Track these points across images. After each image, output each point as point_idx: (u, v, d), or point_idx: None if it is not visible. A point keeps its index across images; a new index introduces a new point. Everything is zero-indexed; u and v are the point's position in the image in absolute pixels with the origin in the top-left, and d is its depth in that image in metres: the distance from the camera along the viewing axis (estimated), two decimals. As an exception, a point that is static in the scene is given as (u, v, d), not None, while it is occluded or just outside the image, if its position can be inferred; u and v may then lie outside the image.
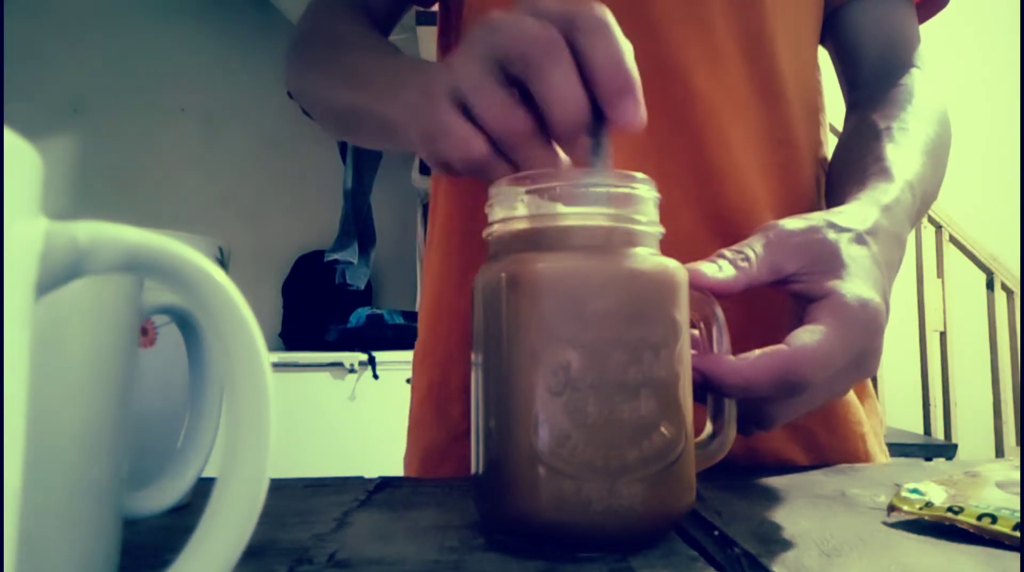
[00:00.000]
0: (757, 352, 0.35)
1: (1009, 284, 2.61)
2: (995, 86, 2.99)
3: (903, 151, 0.49)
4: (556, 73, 0.32)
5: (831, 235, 0.40)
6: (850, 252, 0.39)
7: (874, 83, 0.59)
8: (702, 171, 0.52)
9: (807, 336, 0.35)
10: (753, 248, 0.39)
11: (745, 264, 0.38)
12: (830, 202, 0.52)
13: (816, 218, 0.41)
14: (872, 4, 0.60)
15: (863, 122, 0.54)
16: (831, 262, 0.39)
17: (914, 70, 0.58)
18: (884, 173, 0.47)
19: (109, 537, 0.23)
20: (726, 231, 0.51)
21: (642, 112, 0.32)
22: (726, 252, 0.39)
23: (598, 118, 0.33)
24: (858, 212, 0.43)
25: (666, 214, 0.50)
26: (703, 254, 0.50)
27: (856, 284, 0.38)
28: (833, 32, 0.62)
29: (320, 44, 0.58)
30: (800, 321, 0.37)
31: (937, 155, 0.52)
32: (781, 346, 0.35)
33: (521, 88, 0.34)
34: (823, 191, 0.58)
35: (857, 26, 0.61)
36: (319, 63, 0.56)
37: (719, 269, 0.38)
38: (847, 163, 0.53)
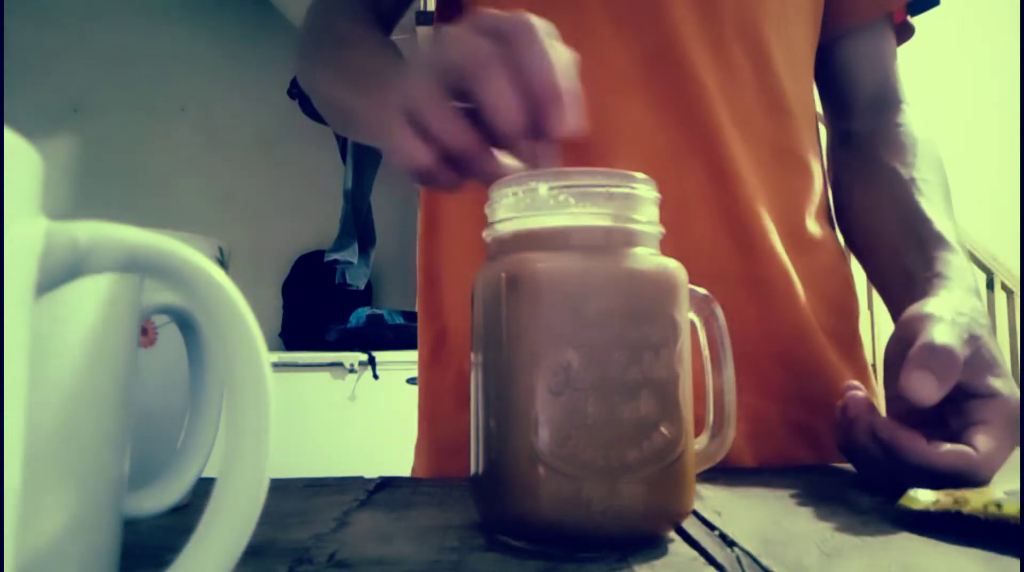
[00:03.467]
0: (947, 446, 0.38)
1: (1009, 284, 2.61)
2: (995, 87, 2.99)
3: (938, 209, 0.54)
4: (493, 84, 0.34)
5: (981, 334, 0.42)
6: (992, 348, 0.42)
7: (869, 115, 0.63)
8: (715, 171, 0.54)
9: (989, 442, 0.38)
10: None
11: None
12: (864, 243, 0.59)
13: (959, 319, 0.42)
14: (866, 40, 0.64)
15: (883, 167, 0.59)
16: (987, 359, 0.41)
17: (904, 106, 0.63)
18: (942, 243, 0.51)
19: (109, 537, 0.23)
20: (737, 229, 0.54)
21: (573, 119, 0.34)
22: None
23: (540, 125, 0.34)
24: (972, 303, 0.45)
25: (682, 211, 0.52)
26: (716, 250, 0.53)
27: (1010, 382, 0.41)
28: (827, 62, 0.65)
29: (323, 41, 0.60)
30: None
31: (951, 207, 0.56)
32: (968, 450, 0.38)
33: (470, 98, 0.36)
34: (827, 201, 0.62)
35: (853, 60, 0.64)
36: (321, 61, 0.58)
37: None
38: (884, 213, 0.57)
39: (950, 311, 0.42)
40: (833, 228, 0.62)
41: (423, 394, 0.63)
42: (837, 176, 0.64)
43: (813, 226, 0.58)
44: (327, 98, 0.57)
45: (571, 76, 0.34)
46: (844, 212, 0.63)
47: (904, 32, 0.66)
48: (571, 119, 0.34)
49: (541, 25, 0.34)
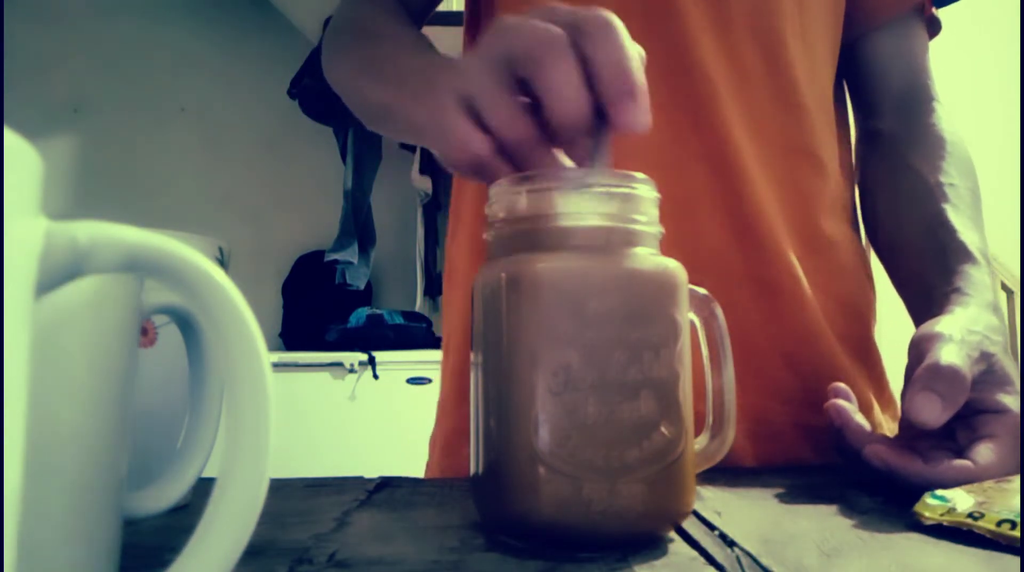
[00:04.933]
0: (945, 463, 0.37)
1: (1009, 284, 2.61)
2: (995, 87, 2.99)
3: (964, 217, 0.53)
4: (557, 71, 0.32)
5: (995, 351, 0.42)
6: (1006, 364, 0.42)
7: (898, 114, 0.61)
8: (723, 170, 0.54)
9: (991, 455, 0.38)
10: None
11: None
12: (888, 248, 0.58)
13: (969, 337, 0.42)
14: (895, 35, 0.62)
15: (908, 170, 0.57)
16: (1000, 376, 0.41)
17: (936, 105, 0.61)
18: (964, 255, 0.50)
19: (109, 537, 0.23)
20: (744, 228, 0.53)
21: (645, 116, 0.32)
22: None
23: (600, 121, 0.33)
24: (988, 320, 0.45)
25: (688, 210, 0.52)
26: (723, 250, 0.52)
27: (1018, 399, 0.41)
28: (855, 59, 0.63)
29: (356, 36, 0.59)
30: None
31: (980, 212, 0.56)
32: (967, 464, 0.37)
33: (530, 91, 0.34)
34: (850, 201, 0.61)
35: (881, 56, 0.62)
36: (354, 56, 0.58)
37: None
38: (908, 218, 0.56)
39: (960, 329, 0.42)
40: (854, 229, 0.62)
41: (441, 386, 0.64)
42: (864, 177, 0.63)
43: (829, 225, 0.57)
44: (362, 95, 0.56)
45: (641, 74, 0.33)
46: (869, 215, 0.62)
47: (933, 26, 0.64)
48: (641, 115, 0.32)
49: (618, 21, 0.33)
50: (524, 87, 0.34)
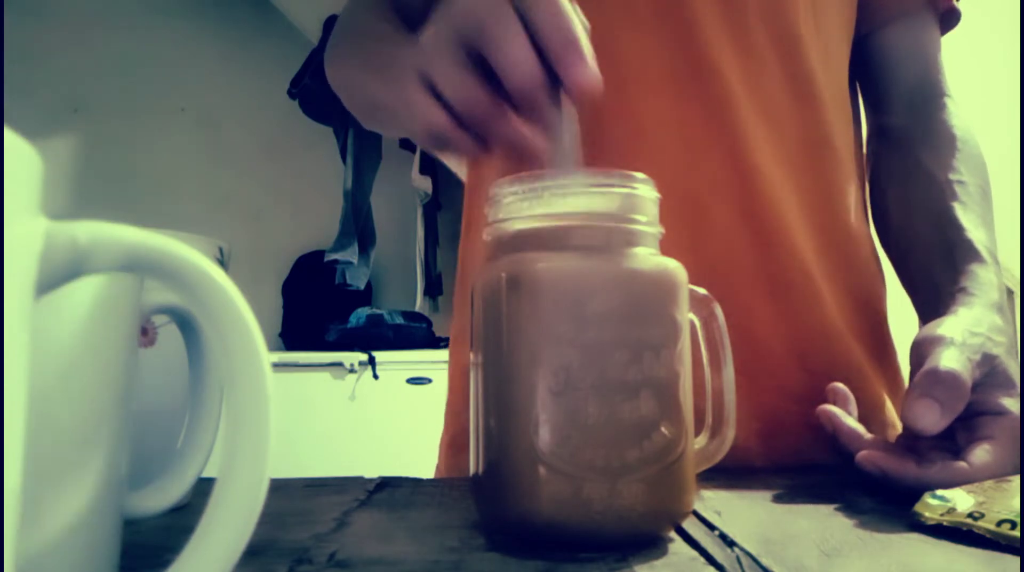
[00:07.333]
0: (939, 464, 0.37)
1: (1009, 284, 2.60)
2: (995, 87, 2.98)
3: (973, 215, 0.53)
4: (505, 39, 0.33)
5: (998, 353, 0.42)
6: (1008, 366, 0.41)
7: (907, 110, 0.61)
8: (737, 167, 0.53)
9: (986, 457, 0.37)
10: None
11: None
12: (896, 246, 0.57)
13: (971, 340, 0.41)
14: (907, 30, 0.61)
15: (918, 166, 0.57)
16: (1002, 378, 0.41)
17: (948, 101, 0.60)
18: (971, 253, 0.50)
19: (109, 537, 0.23)
20: (757, 224, 0.53)
21: (591, 71, 0.33)
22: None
23: (557, 87, 0.33)
24: (991, 320, 0.44)
25: (700, 206, 0.52)
26: (735, 246, 0.52)
27: (1019, 401, 0.40)
28: (866, 54, 0.62)
29: (346, 38, 0.59)
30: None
31: (991, 209, 0.55)
32: (962, 465, 0.37)
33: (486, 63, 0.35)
34: (863, 195, 0.61)
35: (892, 51, 0.62)
36: (343, 56, 0.58)
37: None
38: (916, 216, 0.55)
39: (963, 332, 0.41)
40: (867, 224, 0.61)
41: (449, 387, 0.64)
42: (874, 173, 0.62)
43: (848, 218, 0.56)
44: (345, 85, 0.56)
45: (583, 35, 0.33)
46: (879, 212, 0.61)
47: (950, 19, 0.64)
48: (589, 72, 0.33)
49: None
50: (481, 59, 0.34)
